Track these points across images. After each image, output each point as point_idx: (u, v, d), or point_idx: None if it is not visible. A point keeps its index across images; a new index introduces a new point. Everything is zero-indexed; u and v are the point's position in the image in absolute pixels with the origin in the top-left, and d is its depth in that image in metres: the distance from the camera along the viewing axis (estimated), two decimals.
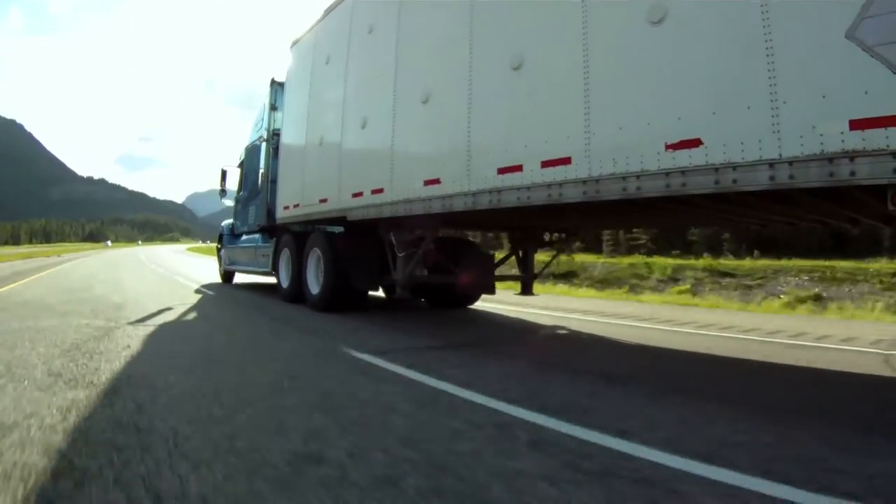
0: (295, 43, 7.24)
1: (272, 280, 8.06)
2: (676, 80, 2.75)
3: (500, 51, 3.69)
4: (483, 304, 6.77)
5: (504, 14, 3.72)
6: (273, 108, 8.10)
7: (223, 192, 10.03)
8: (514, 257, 5.85)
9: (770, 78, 2.47)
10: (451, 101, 4.08)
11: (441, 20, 4.32)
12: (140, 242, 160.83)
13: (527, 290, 5.75)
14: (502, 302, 6.98)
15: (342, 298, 5.82)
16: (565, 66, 3.23)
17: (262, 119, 8.45)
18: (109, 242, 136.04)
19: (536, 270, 5.86)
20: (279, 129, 7.82)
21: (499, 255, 6.48)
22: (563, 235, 5.69)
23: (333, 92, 5.96)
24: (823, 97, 2.36)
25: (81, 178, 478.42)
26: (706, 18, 2.69)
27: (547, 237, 5.70)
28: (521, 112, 3.53)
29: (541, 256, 6.51)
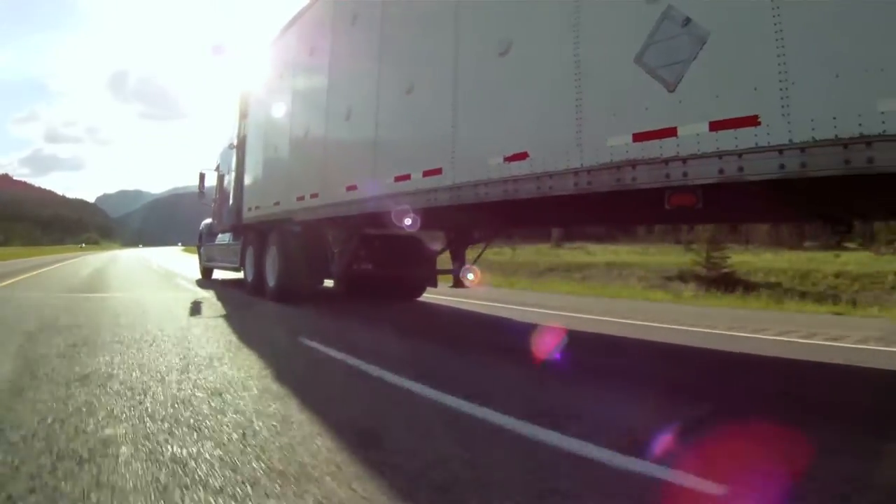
0: (260, 54, 7.86)
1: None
2: (513, 101, 3.32)
3: (398, 77, 4.29)
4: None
5: (401, 49, 4.35)
6: (242, 116, 8.72)
7: (201, 193, 10.70)
8: (448, 252, 6.42)
9: (577, 100, 3.02)
10: (365, 118, 4.69)
11: (361, 52, 4.89)
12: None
13: (458, 283, 6.30)
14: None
15: (293, 291, 6.45)
16: (441, 89, 3.82)
17: (234, 126, 9.08)
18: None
19: (469, 264, 6.42)
20: (246, 136, 8.45)
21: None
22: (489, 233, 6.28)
23: (282, 105, 6.58)
24: (614, 115, 2.87)
25: None
26: (537, 50, 3.24)
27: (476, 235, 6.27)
28: (410, 128, 4.13)
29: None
